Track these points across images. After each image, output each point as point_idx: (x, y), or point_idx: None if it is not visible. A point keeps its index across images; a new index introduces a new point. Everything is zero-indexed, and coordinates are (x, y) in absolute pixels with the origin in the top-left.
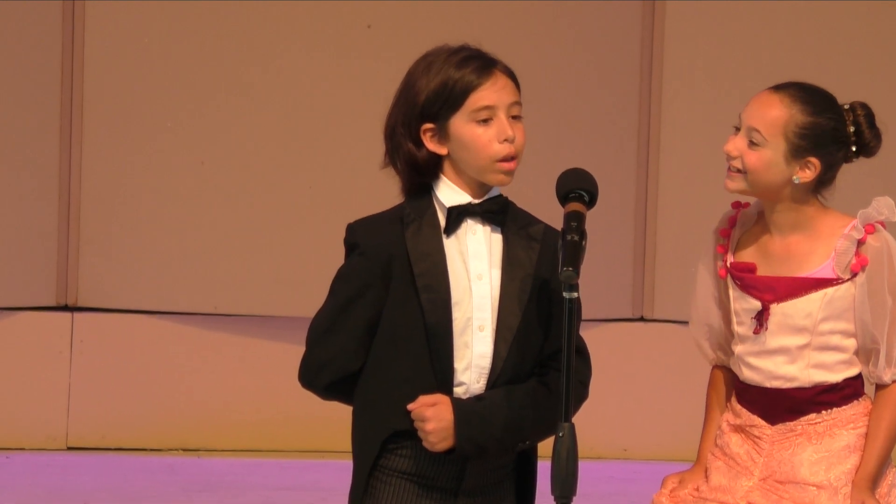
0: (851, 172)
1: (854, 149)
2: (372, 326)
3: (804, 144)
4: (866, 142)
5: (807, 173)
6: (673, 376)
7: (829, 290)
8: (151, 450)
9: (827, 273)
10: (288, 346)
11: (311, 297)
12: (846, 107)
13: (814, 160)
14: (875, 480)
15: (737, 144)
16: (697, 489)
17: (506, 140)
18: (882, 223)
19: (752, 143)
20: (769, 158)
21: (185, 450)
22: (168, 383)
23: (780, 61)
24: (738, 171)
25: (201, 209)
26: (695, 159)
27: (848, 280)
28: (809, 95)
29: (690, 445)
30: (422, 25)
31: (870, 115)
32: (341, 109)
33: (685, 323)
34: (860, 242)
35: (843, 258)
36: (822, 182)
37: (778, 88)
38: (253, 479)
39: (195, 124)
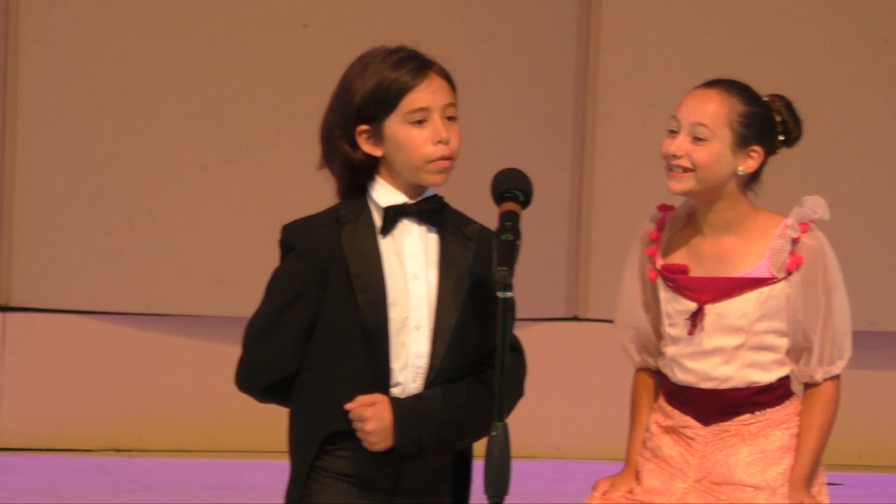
0: (775, 174)
1: (781, 137)
2: (309, 328)
3: (748, 133)
4: (790, 130)
5: (750, 163)
6: (606, 375)
7: (765, 290)
8: (83, 450)
9: (762, 273)
10: (221, 345)
11: (245, 296)
12: (766, 98)
13: (757, 148)
14: (811, 479)
15: (680, 144)
16: (631, 492)
17: (440, 142)
18: (813, 222)
19: (697, 140)
20: (717, 151)
21: (117, 450)
22: (100, 383)
23: (716, 59)
24: (685, 170)
25: (134, 209)
26: (629, 159)
27: (783, 279)
28: (740, 87)
29: (624, 445)
30: (357, 25)
31: (790, 106)
32: (277, 108)
33: None
34: (795, 241)
35: (778, 257)
36: (753, 177)
37: (709, 85)
38: (186, 480)
39: (129, 123)
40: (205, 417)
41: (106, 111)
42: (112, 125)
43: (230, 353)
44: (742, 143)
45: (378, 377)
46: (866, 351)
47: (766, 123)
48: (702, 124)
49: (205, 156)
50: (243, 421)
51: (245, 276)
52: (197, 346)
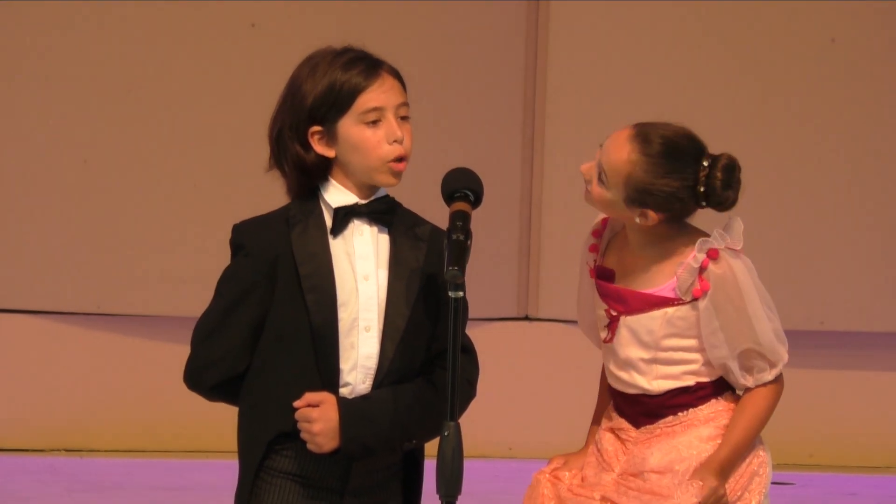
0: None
1: (704, 203)
2: (258, 327)
3: (641, 199)
4: (719, 201)
5: (645, 220)
6: (558, 375)
7: (670, 310)
8: (34, 450)
9: (668, 293)
10: (172, 345)
11: (195, 296)
12: (705, 164)
13: (651, 213)
14: (725, 468)
15: (590, 170)
16: (582, 479)
17: (395, 141)
18: (732, 248)
19: (599, 178)
20: (609, 199)
21: (67, 450)
22: (51, 383)
23: (663, 61)
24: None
25: (84, 208)
26: (579, 158)
27: (689, 302)
28: (660, 155)
29: (575, 443)
30: (306, 25)
31: (728, 177)
32: (225, 108)
33: (570, 322)
34: (702, 268)
35: (683, 284)
36: (671, 220)
37: (637, 134)
38: (137, 480)
39: (78, 122)
40: (155, 417)
41: (53, 111)
42: (60, 124)
43: (181, 352)
44: (633, 203)
45: (327, 377)
46: (816, 350)
47: (668, 197)
48: (603, 170)
49: (154, 155)
50: (194, 421)
51: (195, 276)
52: (147, 345)
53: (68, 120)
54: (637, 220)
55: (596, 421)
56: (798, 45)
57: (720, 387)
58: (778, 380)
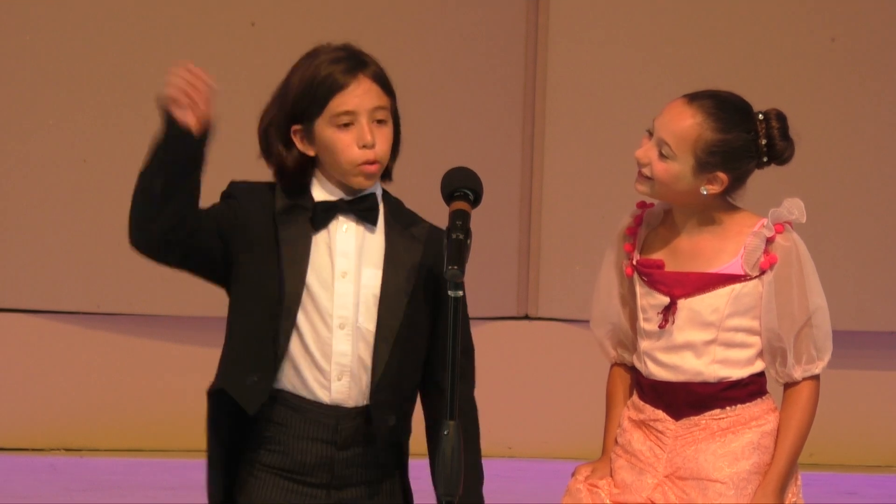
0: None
1: (766, 159)
2: (211, 230)
3: (713, 161)
4: (779, 152)
5: (714, 186)
6: (558, 374)
7: (737, 287)
8: (33, 449)
9: (735, 269)
10: (171, 345)
11: (195, 296)
12: (760, 117)
13: (721, 175)
14: (785, 481)
15: (647, 152)
16: (617, 488)
17: (365, 146)
18: (790, 224)
19: (661, 155)
20: (677, 171)
21: (67, 449)
22: (50, 382)
23: (664, 59)
24: (647, 177)
25: (84, 207)
26: (579, 158)
27: (755, 277)
28: (722, 111)
29: (575, 443)
30: (306, 23)
31: (783, 126)
32: (224, 107)
33: (570, 321)
34: (769, 241)
35: (752, 255)
36: (732, 188)
37: (692, 99)
38: (137, 479)
39: (77, 121)
40: (155, 416)
41: (52, 110)
42: (59, 123)
43: (181, 352)
44: (704, 168)
45: (279, 343)
46: None
47: (739, 152)
48: (666, 143)
49: None
50: (194, 421)
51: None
52: (147, 345)
53: (68, 120)
54: (704, 189)
55: (611, 428)
56: (798, 44)
57: (764, 386)
58: (819, 378)
